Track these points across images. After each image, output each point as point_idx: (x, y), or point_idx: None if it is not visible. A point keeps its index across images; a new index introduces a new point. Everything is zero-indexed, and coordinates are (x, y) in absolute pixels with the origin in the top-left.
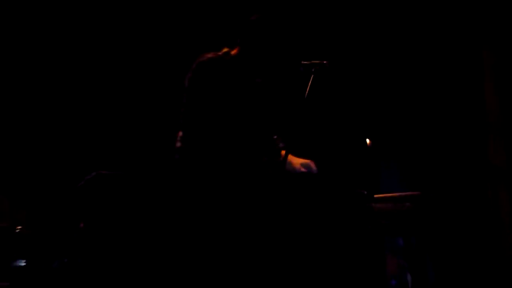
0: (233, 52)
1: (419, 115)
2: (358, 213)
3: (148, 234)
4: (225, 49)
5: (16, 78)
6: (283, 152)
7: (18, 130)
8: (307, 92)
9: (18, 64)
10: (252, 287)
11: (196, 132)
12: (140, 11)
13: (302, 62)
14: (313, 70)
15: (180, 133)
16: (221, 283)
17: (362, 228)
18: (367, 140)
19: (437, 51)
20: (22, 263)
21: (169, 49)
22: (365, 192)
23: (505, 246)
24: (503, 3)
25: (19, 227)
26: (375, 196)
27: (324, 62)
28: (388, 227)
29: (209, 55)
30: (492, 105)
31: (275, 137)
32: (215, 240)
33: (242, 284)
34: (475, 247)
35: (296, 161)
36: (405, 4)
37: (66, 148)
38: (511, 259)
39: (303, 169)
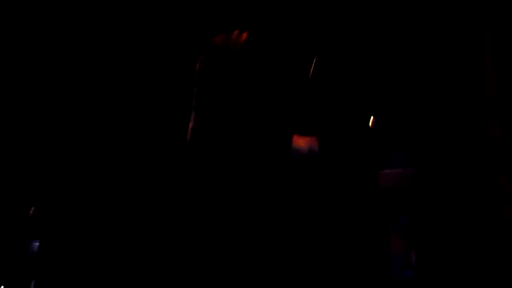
0: (244, 35)
1: (419, 94)
2: (362, 191)
3: (158, 223)
4: (237, 31)
5: (22, 77)
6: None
7: (25, 128)
8: (311, 72)
9: (22, 65)
10: (262, 265)
11: (208, 124)
12: (146, 4)
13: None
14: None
15: (191, 125)
16: (234, 267)
17: (366, 206)
18: (371, 118)
19: (438, 32)
20: (36, 244)
21: (177, 39)
22: (368, 170)
23: (506, 220)
24: None
25: (33, 208)
26: (379, 172)
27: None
28: (391, 204)
29: (220, 38)
30: (491, 83)
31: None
32: (223, 231)
33: (255, 266)
34: (476, 222)
35: (299, 140)
36: None
37: (76, 136)
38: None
39: (305, 148)
